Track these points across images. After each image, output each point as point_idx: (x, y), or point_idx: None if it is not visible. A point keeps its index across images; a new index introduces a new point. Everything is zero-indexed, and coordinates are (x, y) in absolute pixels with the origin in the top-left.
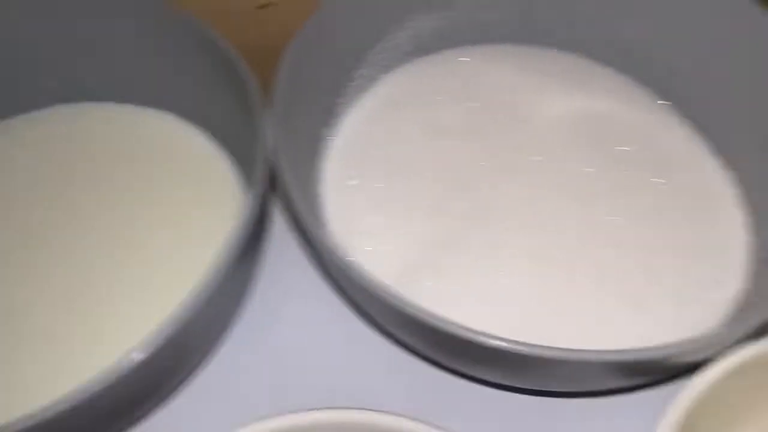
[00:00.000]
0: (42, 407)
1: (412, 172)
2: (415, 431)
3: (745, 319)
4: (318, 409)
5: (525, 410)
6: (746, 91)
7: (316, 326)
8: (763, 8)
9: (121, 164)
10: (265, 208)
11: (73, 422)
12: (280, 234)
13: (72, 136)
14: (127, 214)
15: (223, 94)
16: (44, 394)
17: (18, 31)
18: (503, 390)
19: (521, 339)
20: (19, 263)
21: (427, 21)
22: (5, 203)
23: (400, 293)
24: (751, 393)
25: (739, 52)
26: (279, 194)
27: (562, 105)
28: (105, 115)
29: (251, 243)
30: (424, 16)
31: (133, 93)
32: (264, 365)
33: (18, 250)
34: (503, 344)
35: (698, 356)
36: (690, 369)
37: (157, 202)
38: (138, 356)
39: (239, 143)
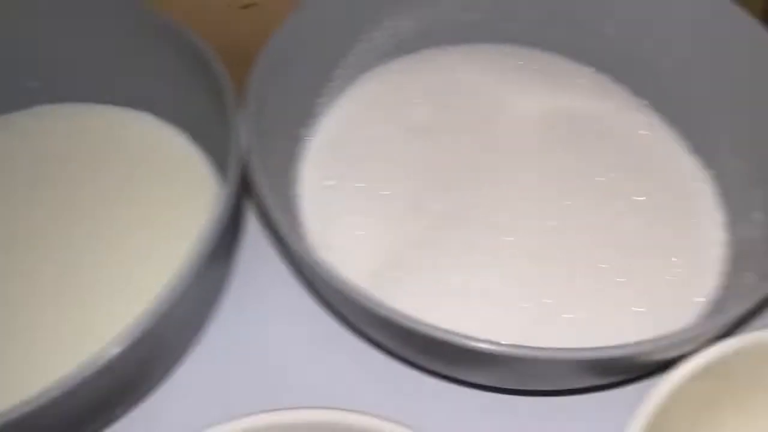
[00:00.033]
0: (21, 401)
1: (390, 171)
2: (385, 431)
3: (716, 317)
4: (291, 408)
5: (497, 409)
6: (725, 91)
7: (289, 326)
8: (742, 8)
9: (100, 164)
10: (239, 206)
11: (52, 415)
12: (254, 234)
13: (51, 136)
14: (106, 213)
15: (200, 95)
16: (25, 390)
17: None
18: (475, 389)
19: (495, 338)
20: None
21: (407, 21)
22: None
23: (370, 293)
24: (724, 390)
25: (717, 51)
26: (254, 194)
27: (541, 104)
28: (84, 115)
29: (224, 239)
30: (403, 16)
31: (112, 93)
32: (237, 364)
33: None
34: (472, 343)
35: (671, 353)
36: (665, 366)
37: (136, 201)
38: (115, 349)
39: (216, 143)
